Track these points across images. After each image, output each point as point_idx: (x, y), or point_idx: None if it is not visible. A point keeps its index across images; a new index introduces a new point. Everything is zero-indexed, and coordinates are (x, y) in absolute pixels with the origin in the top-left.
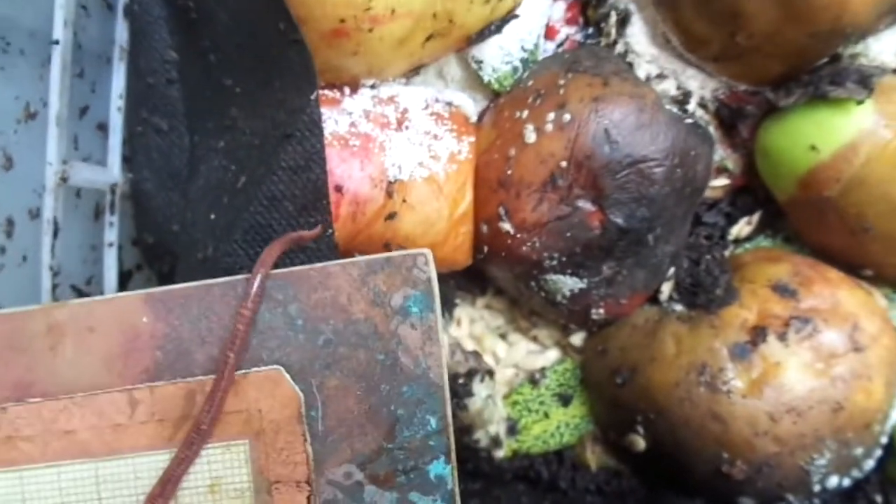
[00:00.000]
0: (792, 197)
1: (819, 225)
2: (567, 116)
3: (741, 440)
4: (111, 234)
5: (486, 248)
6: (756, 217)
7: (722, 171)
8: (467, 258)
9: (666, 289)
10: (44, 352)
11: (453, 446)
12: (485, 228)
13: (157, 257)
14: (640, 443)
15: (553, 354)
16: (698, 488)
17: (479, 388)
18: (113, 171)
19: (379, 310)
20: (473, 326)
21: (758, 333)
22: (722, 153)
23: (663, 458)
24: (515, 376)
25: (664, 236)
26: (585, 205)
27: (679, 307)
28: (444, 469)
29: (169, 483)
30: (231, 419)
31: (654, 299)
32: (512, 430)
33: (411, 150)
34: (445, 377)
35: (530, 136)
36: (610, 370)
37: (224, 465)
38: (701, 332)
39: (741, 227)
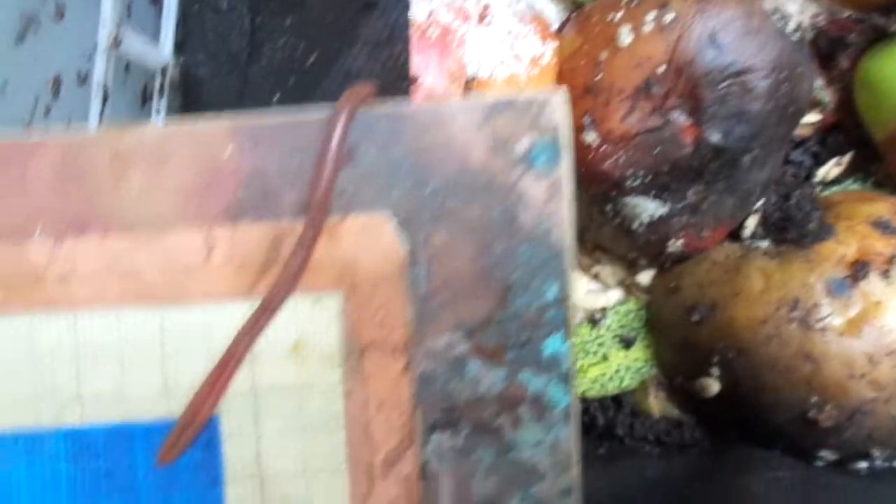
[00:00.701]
0: (892, 133)
1: None
2: (669, 16)
3: (834, 382)
4: (158, 121)
5: None
6: (847, 158)
7: (815, 104)
8: None
9: (751, 223)
10: (107, 182)
11: (572, 321)
12: None
13: None
14: (714, 386)
15: (615, 294)
16: (775, 439)
17: None
18: (165, 50)
19: (499, 158)
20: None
21: (858, 269)
22: (817, 85)
23: (738, 404)
24: (574, 316)
25: (760, 160)
26: (680, 117)
27: (765, 244)
28: (561, 345)
29: (246, 339)
30: (323, 269)
31: (734, 237)
32: None
33: (493, 47)
34: (569, 240)
35: (625, 38)
36: (684, 308)
37: (312, 321)
38: (793, 267)
39: (829, 169)
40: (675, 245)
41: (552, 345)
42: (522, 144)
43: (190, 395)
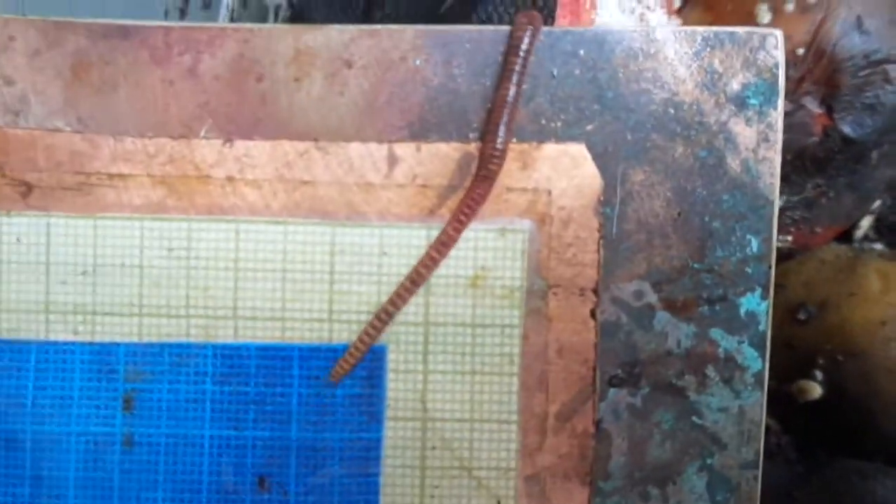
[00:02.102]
0: None
1: None
2: None
3: None
4: None
5: None
6: None
7: None
8: None
9: (865, 224)
10: (287, 82)
11: (772, 280)
12: None
13: None
14: (817, 390)
15: None
16: (876, 449)
17: None
18: None
19: (710, 94)
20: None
21: None
22: None
23: (842, 410)
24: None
25: (888, 156)
26: (812, 104)
27: (879, 246)
28: (759, 305)
29: (425, 269)
30: (513, 198)
31: (842, 238)
32: None
33: (622, 16)
34: (776, 191)
35: (764, 16)
36: (787, 307)
37: (495, 253)
38: None
39: None
40: (785, 241)
41: (749, 302)
42: (735, 83)
43: (356, 321)
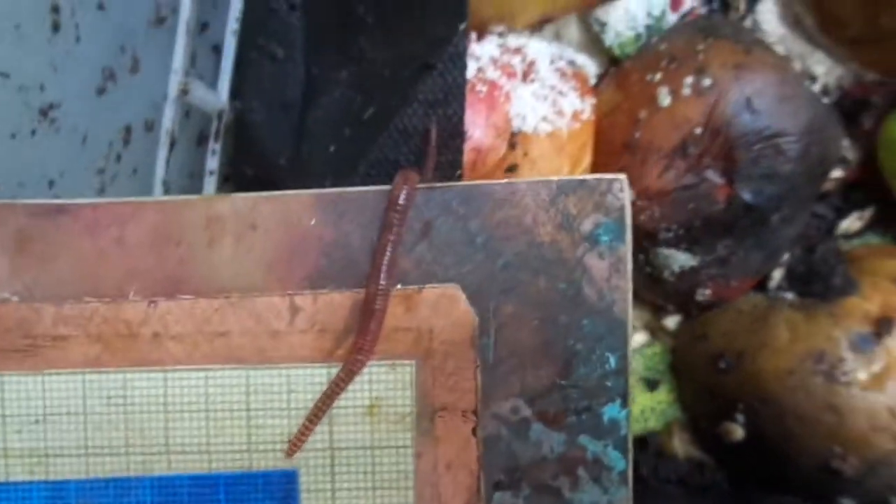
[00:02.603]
0: None
1: None
2: (707, 81)
3: (857, 435)
4: (213, 162)
5: None
6: (868, 213)
7: (839, 161)
8: None
9: (777, 275)
10: (201, 246)
11: (630, 390)
12: None
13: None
14: (739, 432)
15: (641, 337)
16: (797, 485)
17: None
18: (222, 96)
19: (566, 235)
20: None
21: (882, 325)
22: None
23: (762, 450)
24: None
25: (788, 218)
26: (714, 177)
27: (790, 295)
28: (619, 413)
29: (327, 401)
30: (399, 336)
31: (760, 287)
32: None
33: (536, 103)
34: (630, 314)
35: (664, 99)
36: (710, 355)
37: (387, 385)
38: (819, 320)
39: (851, 222)
40: (703, 294)
41: (611, 411)
42: (588, 224)
43: (272, 450)
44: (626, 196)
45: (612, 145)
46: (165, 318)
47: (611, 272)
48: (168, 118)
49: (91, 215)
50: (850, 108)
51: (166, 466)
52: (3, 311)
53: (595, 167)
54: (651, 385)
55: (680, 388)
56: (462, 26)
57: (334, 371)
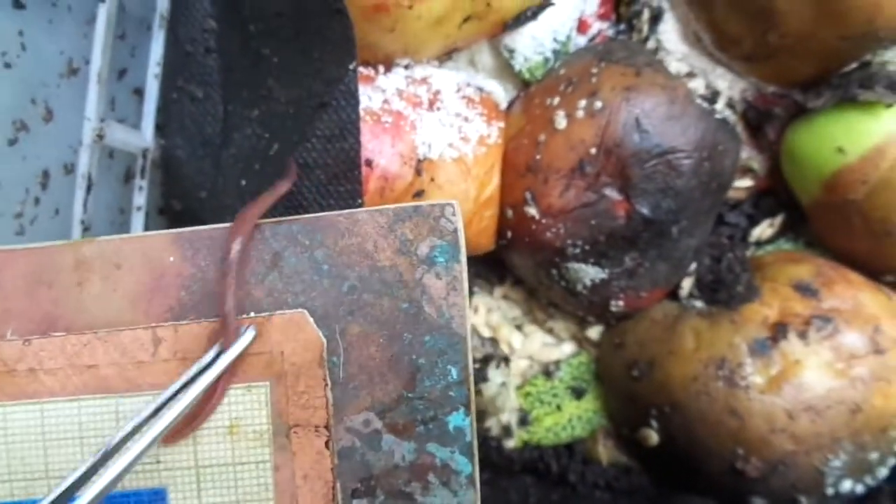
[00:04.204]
0: (816, 200)
1: (842, 229)
2: (598, 104)
3: (757, 437)
4: (140, 198)
5: (509, 234)
6: (779, 220)
7: (747, 171)
8: (490, 242)
9: (686, 285)
10: (71, 287)
11: (473, 399)
12: (510, 213)
13: (182, 225)
14: (654, 437)
15: (568, 347)
16: (710, 486)
17: (494, 375)
18: (146, 135)
19: (405, 258)
20: (490, 315)
21: (778, 330)
22: (747, 154)
23: (676, 454)
24: (529, 368)
25: (688, 230)
26: (612, 193)
27: (699, 304)
28: (463, 420)
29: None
30: (253, 361)
31: (673, 295)
32: (523, 420)
33: (442, 130)
34: (468, 328)
35: (561, 122)
36: (626, 363)
37: (244, 406)
38: (721, 328)
39: (763, 230)
40: (617, 305)
41: (456, 420)
42: (424, 247)
43: (143, 470)
44: (458, 219)
45: (516, 167)
46: (39, 354)
47: (448, 290)
48: (84, 163)
49: None
50: (754, 119)
51: (47, 491)
52: None
53: (502, 188)
54: (577, 394)
55: (603, 396)
56: (352, 66)
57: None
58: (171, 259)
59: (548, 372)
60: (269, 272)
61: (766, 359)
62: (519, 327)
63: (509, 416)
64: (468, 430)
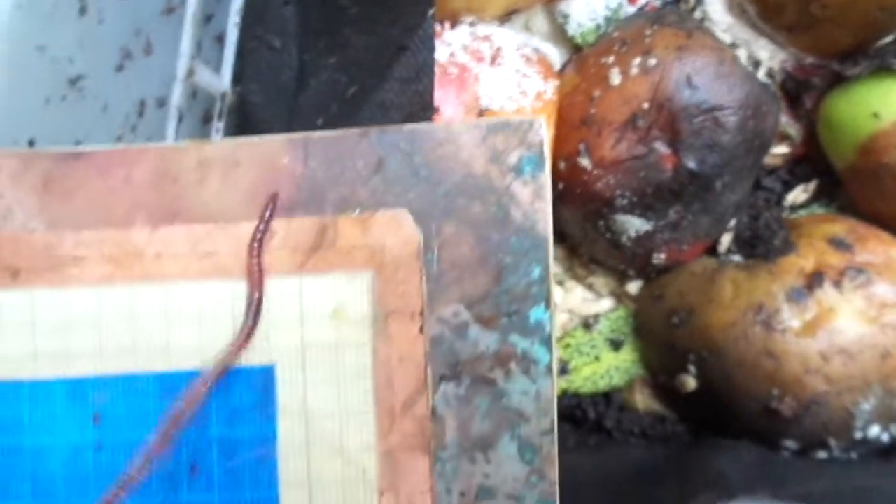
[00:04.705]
0: (851, 164)
1: (875, 191)
2: (652, 62)
3: (792, 377)
4: (217, 138)
5: (561, 185)
6: (813, 185)
7: (784, 138)
8: None
9: (725, 240)
10: (193, 183)
11: (553, 295)
12: (563, 165)
13: None
14: (691, 382)
15: (607, 303)
16: (744, 430)
17: None
18: (225, 80)
19: (495, 166)
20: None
21: (814, 279)
22: (785, 121)
23: (712, 398)
24: (569, 321)
25: (731, 185)
26: (661, 147)
27: (737, 258)
28: (543, 314)
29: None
30: (357, 253)
31: (711, 251)
32: (563, 370)
33: (502, 84)
34: (550, 231)
35: (615, 79)
36: (666, 313)
37: (348, 293)
38: (759, 277)
39: (797, 194)
40: (659, 258)
41: (536, 313)
42: (514, 157)
43: (252, 349)
44: (545, 133)
45: (571, 121)
46: (165, 240)
47: (533, 197)
48: (177, 96)
49: (103, 159)
50: (793, 89)
51: (166, 364)
52: (32, 238)
53: (556, 142)
54: (615, 345)
55: (641, 346)
56: (430, 13)
57: (305, 280)
58: (285, 160)
59: (587, 325)
60: (374, 175)
61: (801, 306)
62: (560, 283)
63: None
64: (547, 324)
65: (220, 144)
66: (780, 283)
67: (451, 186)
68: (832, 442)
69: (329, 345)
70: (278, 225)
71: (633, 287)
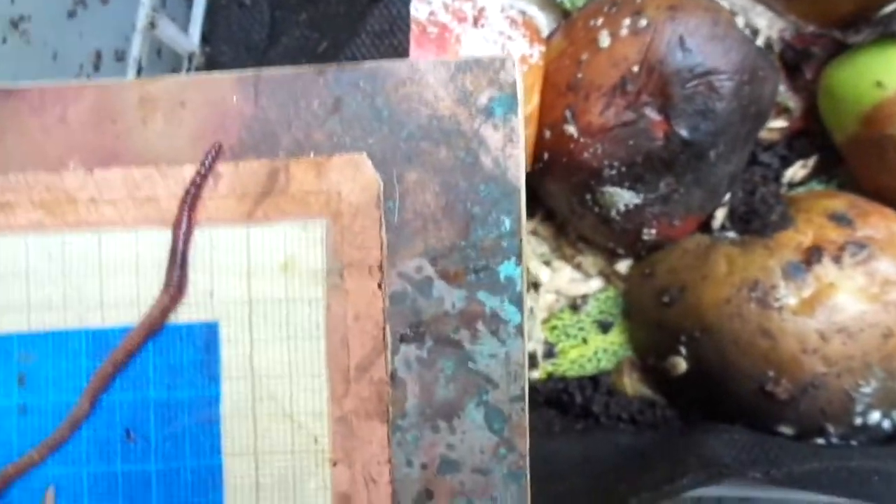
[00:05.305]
0: (853, 136)
1: (878, 164)
2: (643, 22)
3: (789, 357)
4: None
5: (546, 156)
6: (812, 161)
7: (782, 111)
8: (527, 162)
9: (719, 215)
10: (135, 123)
11: (525, 250)
12: (548, 133)
13: None
14: (682, 364)
15: (596, 283)
16: (737, 414)
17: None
18: (193, 39)
19: (464, 108)
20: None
21: (813, 254)
22: (784, 93)
23: (704, 381)
24: (556, 302)
25: (725, 155)
26: (652, 113)
27: (731, 234)
28: (514, 270)
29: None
30: (311, 199)
31: (704, 228)
32: (549, 353)
33: (485, 46)
34: (523, 180)
35: (604, 40)
36: (656, 291)
37: (300, 244)
38: (755, 252)
39: (796, 170)
40: (649, 233)
41: (506, 269)
42: (484, 98)
43: (194, 303)
44: (517, 72)
45: (557, 87)
46: (101, 184)
47: (505, 141)
48: (136, 47)
49: (37, 97)
50: (792, 58)
51: (100, 319)
52: None
53: (542, 109)
54: (604, 327)
55: (630, 328)
56: None
57: (253, 229)
58: (234, 99)
59: (574, 306)
60: (330, 116)
61: (799, 281)
62: (547, 263)
63: (535, 347)
64: (518, 280)
65: (165, 82)
66: (777, 259)
67: (414, 129)
68: (830, 428)
69: (279, 300)
70: (225, 169)
71: (623, 266)
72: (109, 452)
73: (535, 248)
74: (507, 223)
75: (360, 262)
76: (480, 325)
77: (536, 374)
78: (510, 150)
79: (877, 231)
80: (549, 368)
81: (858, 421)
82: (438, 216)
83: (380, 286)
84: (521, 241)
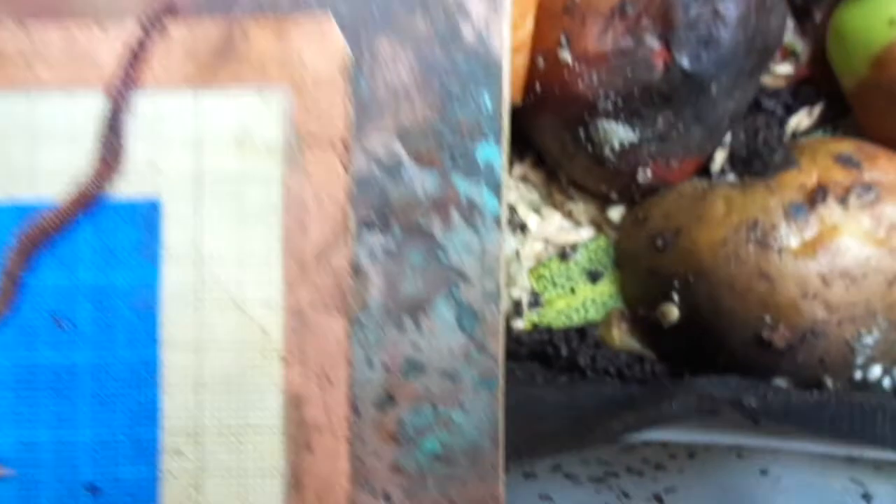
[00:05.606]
0: (863, 81)
1: (888, 111)
2: None
3: (788, 302)
4: None
5: (538, 87)
6: (817, 109)
7: (789, 54)
8: (518, 95)
9: (719, 158)
10: None
11: (506, 133)
12: (541, 62)
13: None
14: (674, 312)
15: (587, 232)
16: (731, 365)
17: (509, 239)
18: None
19: None
20: (507, 195)
21: (817, 194)
22: (792, 36)
23: (697, 329)
24: (544, 250)
25: (728, 90)
26: (651, 41)
27: (731, 177)
28: (493, 151)
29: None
30: (270, 65)
31: (703, 173)
32: (535, 302)
33: None
34: (506, 54)
35: None
36: (650, 236)
37: (256, 114)
38: (755, 192)
39: (801, 119)
40: (645, 175)
41: (485, 152)
42: None
43: (135, 172)
44: None
45: (552, 9)
46: (36, 41)
47: (489, 11)
48: None
49: None
50: (801, 1)
51: (30, 188)
52: None
53: (536, 35)
54: (593, 277)
55: (621, 277)
56: None
57: (203, 96)
58: None
59: (563, 254)
60: None
61: (801, 222)
62: (536, 210)
63: (520, 294)
64: (497, 163)
65: None
66: (779, 198)
67: None
68: (829, 381)
69: (230, 177)
70: (174, 29)
71: (616, 213)
72: (35, 341)
73: (524, 194)
74: (488, 101)
75: (322, 137)
76: (454, 213)
77: (521, 324)
78: (494, 20)
79: (885, 174)
80: (535, 318)
81: (858, 375)
82: (411, 91)
83: (344, 166)
84: (502, 122)
